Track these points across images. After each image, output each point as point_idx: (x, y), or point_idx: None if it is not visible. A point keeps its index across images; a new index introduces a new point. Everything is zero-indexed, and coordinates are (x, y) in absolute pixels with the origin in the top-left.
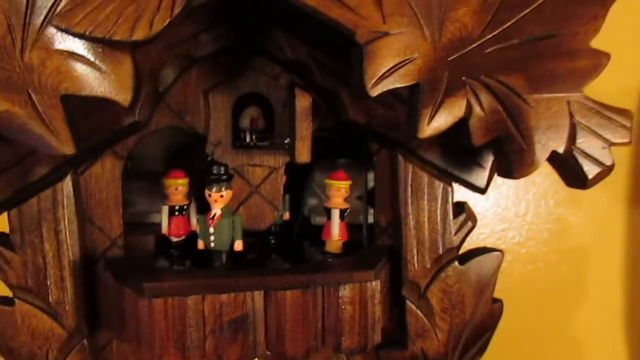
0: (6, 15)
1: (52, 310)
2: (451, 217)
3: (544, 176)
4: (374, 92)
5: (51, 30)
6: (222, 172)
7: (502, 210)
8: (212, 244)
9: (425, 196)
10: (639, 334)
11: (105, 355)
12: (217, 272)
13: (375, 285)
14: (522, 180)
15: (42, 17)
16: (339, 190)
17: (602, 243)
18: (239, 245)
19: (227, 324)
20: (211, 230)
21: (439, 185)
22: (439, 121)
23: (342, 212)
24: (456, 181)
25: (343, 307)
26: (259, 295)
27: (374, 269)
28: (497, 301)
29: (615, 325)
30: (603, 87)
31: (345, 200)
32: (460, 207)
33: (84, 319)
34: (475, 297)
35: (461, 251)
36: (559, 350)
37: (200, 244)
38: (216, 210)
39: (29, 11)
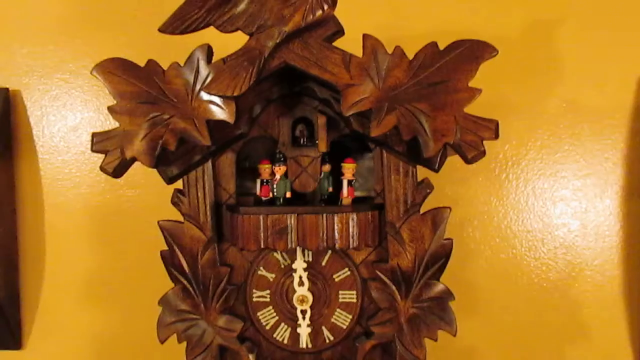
0: (185, 85)
1: (200, 226)
2: (415, 185)
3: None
4: (347, 114)
5: (202, 92)
6: (280, 157)
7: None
8: (275, 194)
9: (400, 173)
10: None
11: (225, 255)
12: (275, 206)
13: (354, 216)
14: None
15: (199, 86)
16: (347, 169)
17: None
18: (288, 194)
19: (277, 230)
20: (274, 186)
21: (408, 167)
22: (382, 127)
23: (350, 182)
24: (419, 164)
25: (335, 225)
26: (294, 217)
27: (354, 209)
28: (448, 240)
29: (614, 297)
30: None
31: (353, 175)
32: (422, 181)
33: (215, 234)
34: (431, 235)
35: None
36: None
37: (270, 195)
38: (277, 176)
39: (195, 82)
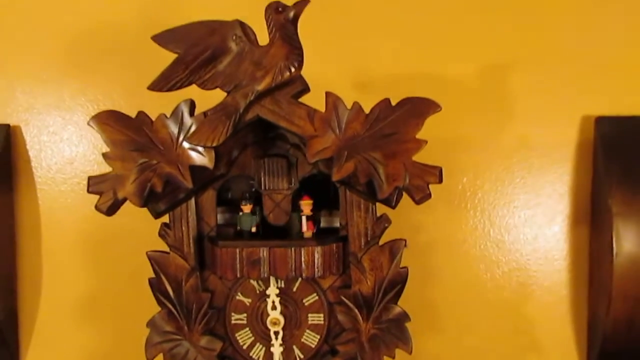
0: (171, 135)
1: (184, 256)
2: (374, 220)
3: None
4: (312, 161)
5: (185, 142)
6: (246, 196)
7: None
8: (243, 227)
9: (361, 209)
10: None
11: (207, 282)
12: (248, 240)
13: (318, 249)
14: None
15: (183, 136)
16: (306, 205)
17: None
18: (253, 228)
19: (251, 261)
20: (242, 221)
21: (368, 204)
22: (342, 172)
23: (308, 217)
24: (378, 201)
25: (302, 257)
26: (266, 250)
27: (319, 242)
28: (404, 268)
29: (563, 314)
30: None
31: (311, 210)
32: (381, 216)
33: (198, 263)
34: (389, 264)
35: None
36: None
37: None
38: (245, 212)
39: (180, 132)
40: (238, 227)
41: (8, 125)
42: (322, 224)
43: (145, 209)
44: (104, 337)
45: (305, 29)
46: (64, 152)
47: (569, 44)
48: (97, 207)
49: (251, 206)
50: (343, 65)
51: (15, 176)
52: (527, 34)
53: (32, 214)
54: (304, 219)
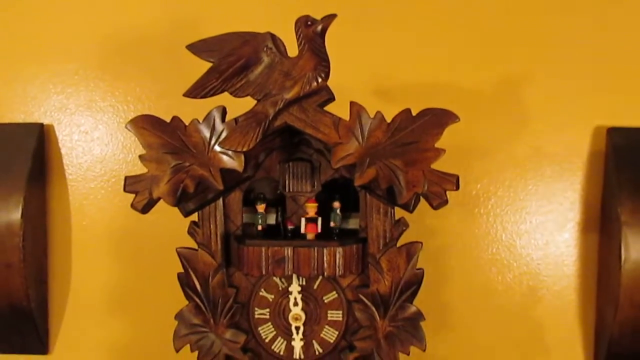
0: (203, 139)
1: (212, 253)
2: (393, 223)
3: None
4: (336, 167)
5: (216, 146)
6: (261, 197)
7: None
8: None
9: (380, 213)
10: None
11: (232, 278)
12: (274, 239)
13: (340, 249)
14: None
15: (214, 140)
16: (310, 208)
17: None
18: (259, 227)
19: (276, 260)
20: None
21: (387, 208)
22: (364, 178)
23: (312, 219)
24: (396, 206)
25: (325, 257)
26: (290, 249)
27: (340, 243)
28: (420, 269)
29: (571, 318)
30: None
31: (315, 213)
32: (399, 220)
33: (224, 260)
34: (406, 265)
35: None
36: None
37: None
38: (260, 211)
39: (212, 137)
40: (256, 226)
41: (42, 124)
42: (342, 226)
43: (174, 207)
44: (131, 328)
45: (331, 41)
46: (94, 150)
47: (583, 54)
48: (132, 206)
49: (264, 206)
50: (365, 75)
51: (48, 173)
52: (542, 45)
53: (63, 209)
54: (309, 220)
